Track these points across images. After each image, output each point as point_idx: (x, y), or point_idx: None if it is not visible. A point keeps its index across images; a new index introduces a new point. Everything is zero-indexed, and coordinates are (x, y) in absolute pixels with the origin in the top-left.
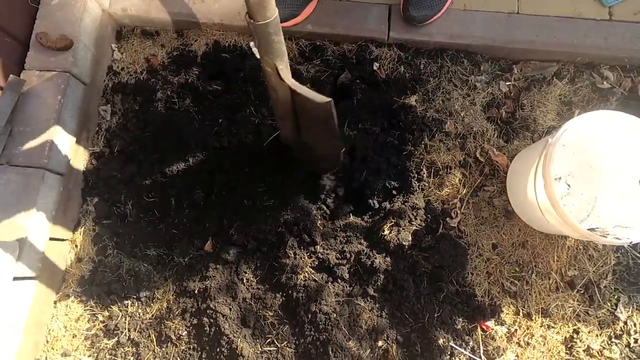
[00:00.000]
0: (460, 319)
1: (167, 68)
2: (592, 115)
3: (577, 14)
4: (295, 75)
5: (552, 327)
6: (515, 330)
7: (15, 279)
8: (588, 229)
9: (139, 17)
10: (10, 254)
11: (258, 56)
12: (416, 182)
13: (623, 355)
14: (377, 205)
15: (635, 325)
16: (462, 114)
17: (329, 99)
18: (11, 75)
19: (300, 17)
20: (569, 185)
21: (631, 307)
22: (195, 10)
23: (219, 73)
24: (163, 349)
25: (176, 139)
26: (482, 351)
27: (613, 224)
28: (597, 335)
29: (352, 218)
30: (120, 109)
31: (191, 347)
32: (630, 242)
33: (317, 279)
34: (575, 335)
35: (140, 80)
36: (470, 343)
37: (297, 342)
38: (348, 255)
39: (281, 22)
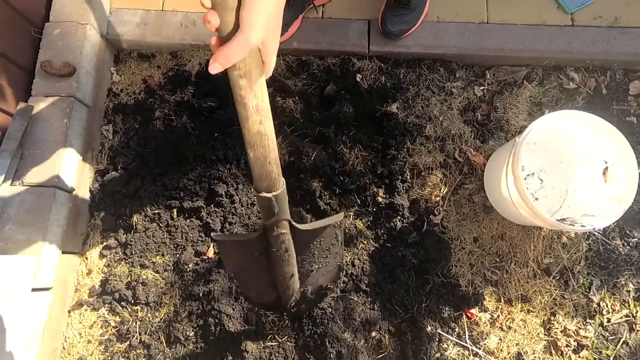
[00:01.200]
0: (447, 308)
1: (163, 88)
2: (554, 116)
3: (542, 21)
4: (284, 89)
5: (531, 311)
6: (498, 316)
7: (33, 290)
8: (560, 219)
9: (135, 42)
10: (28, 267)
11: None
12: (400, 183)
13: (597, 333)
14: (365, 206)
15: (607, 306)
16: (440, 119)
17: (341, 213)
18: (20, 102)
19: (286, 35)
20: (541, 180)
21: (603, 290)
22: (188, 33)
23: (212, 90)
24: (172, 349)
25: (176, 154)
26: (467, 336)
27: (581, 213)
28: (572, 317)
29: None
30: (122, 128)
31: (199, 346)
32: (594, 229)
33: None
34: (552, 318)
35: (139, 101)
36: (457, 329)
37: (296, 337)
38: None
39: None
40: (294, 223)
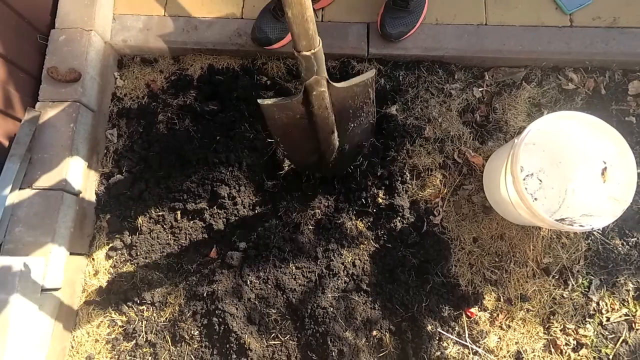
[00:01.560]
0: (447, 307)
1: (166, 92)
2: (553, 116)
3: (540, 22)
4: (284, 92)
5: (531, 310)
6: (497, 314)
7: (42, 290)
8: (559, 219)
9: (138, 47)
10: (38, 268)
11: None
12: (400, 184)
13: (596, 332)
14: (366, 208)
15: (606, 305)
16: (439, 120)
17: (373, 69)
18: (28, 108)
19: (287, 39)
20: (540, 180)
21: (602, 289)
22: (190, 38)
23: (214, 94)
24: (178, 348)
25: (179, 157)
26: (467, 335)
27: (580, 213)
28: (572, 316)
29: (343, 220)
30: (126, 132)
31: (203, 345)
32: (592, 228)
33: (314, 277)
34: (552, 317)
35: (143, 105)
36: (457, 328)
37: (299, 335)
38: (342, 254)
39: (270, 44)
40: (330, 81)
